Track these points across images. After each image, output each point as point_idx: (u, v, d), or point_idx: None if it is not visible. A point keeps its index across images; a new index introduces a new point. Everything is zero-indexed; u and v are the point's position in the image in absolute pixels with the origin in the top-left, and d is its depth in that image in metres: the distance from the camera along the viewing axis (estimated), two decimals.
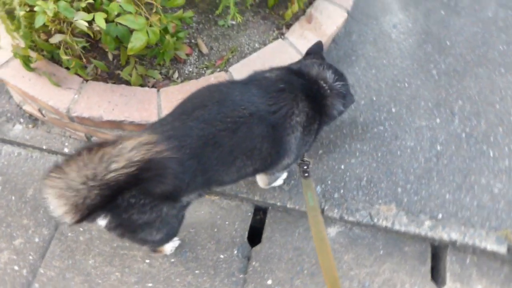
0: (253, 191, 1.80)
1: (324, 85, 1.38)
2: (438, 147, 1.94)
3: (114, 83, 1.70)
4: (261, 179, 1.74)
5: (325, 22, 1.85)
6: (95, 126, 1.66)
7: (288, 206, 1.78)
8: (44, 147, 1.84)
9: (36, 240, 1.71)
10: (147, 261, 1.69)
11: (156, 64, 1.75)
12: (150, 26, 1.41)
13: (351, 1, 1.94)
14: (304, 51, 1.75)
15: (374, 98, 1.99)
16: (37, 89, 1.61)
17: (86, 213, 0.99)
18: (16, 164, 1.85)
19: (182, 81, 1.74)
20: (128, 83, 1.68)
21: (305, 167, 1.50)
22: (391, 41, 2.00)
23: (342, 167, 1.87)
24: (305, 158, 1.52)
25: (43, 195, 1.00)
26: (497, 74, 2.12)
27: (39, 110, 1.78)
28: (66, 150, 1.84)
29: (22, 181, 1.81)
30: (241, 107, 1.22)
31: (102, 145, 0.99)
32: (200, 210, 1.80)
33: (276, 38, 1.84)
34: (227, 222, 1.79)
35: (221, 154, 1.20)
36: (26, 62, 1.56)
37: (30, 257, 1.67)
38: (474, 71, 2.12)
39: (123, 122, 1.59)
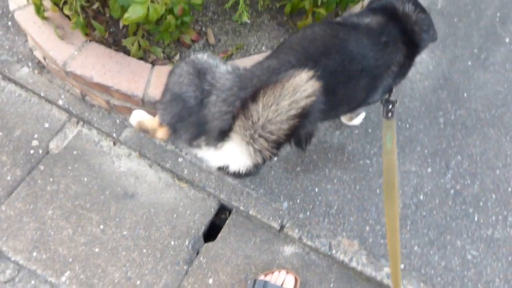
0: (220, 188, 1.80)
1: (414, 23, 1.44)
2: (421, 197, 1.86)
3: (117, 50, 1.74)
4: (345, 115, 1.84)
5: None
6: (87, 85, 1.71)
7: (250, 212, 1.76)
8: (42, 94, 1.92)
9: (8, 178, 1.78)
10: (101, 227, 1.72)
11: (159, 42, 1.78)
12: (152, 2, 1.44)
13: None
14: None
15: (370, 130, 1.94)
16: (43, 38, 1.68)
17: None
18: (14, 104, 1.93)
19: None
20: (129, 53, 1.72)
21: (390, 106, 1.47)
22: (406, 79, 1.93)
23: (316, 190, 1.83)
24: (391, 98, 1.51)
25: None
26: (508, 139, 2.01)
27: (44, 58, 1.86)
28: (60, 102, 1.90)
29: (14, 120, 1.89)
30: (356, 60, 1.31)
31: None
32: (166, 193, 1.82)
33: None
34: (188, 212, 1.79)
35: (331, 103, 1.24)
36: (39, 9, 1.63)
37: None
38: (484, 130, 2.02)
39: (110, 88, 1.63)
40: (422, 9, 1.49)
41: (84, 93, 1.85)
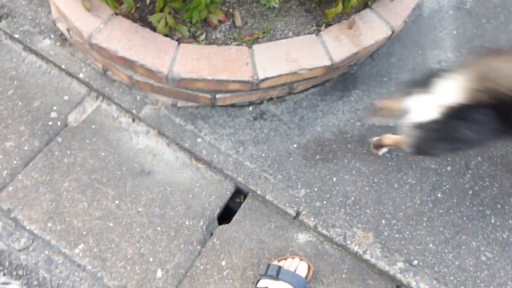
0: (238, 171, 1.78)
1: None
2: (439, 194, 1.84)
3: (143, 25, 1.73)
4: None
5: (366, 33, 1.79)
6: (110, 59, 1.70)
7: (267, 197, 1.75)
8: (63, 67, 1.90)
9: (25, 148, 1.77)
10: (116, 202, 1.71)
11: (186, 21, 1.76)
12: None
13: (401, 22, 1.87)
14: (333, 53, 1.71)
15: (391, 124, 1.92)
16: (69, 8, 1.67)
17: None
18: (34, 75, 1.92)
19: (206, 44, 1.74)
20: (154, 29, 1.70)
21: None
22: None
23: (334, 179, 1.81)
24: None
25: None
26: None
27: (68, 30, 1.84)
28: (81, 75, 1.89)
29: (33, 91, 1.88)
30: None
31: None
32: (183, 173, 1.81)
33: (311, 33, 1.81)
34: (204, 193, 1.78)
35: None
36: None
37: (15, 162, 1.74)
38: None
39: (135, 62, 1.61)
40: None
41: (105, 67, 1.83)
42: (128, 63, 1.65)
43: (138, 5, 1.77)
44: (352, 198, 1.79)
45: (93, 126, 1.85)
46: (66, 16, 1.66)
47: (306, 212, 1.74)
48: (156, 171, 1.80)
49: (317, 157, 1.85)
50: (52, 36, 1.97)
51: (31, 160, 1.75)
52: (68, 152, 1.78)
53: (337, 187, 1.80)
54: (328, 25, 1.83)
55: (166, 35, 1.73)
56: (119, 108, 1.89)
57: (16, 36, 1.94)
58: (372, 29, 1.81)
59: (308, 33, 1.80)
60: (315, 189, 1.79)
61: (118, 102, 1.86)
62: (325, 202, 1.77)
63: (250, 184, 1.77)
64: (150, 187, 1.76)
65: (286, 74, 1.68)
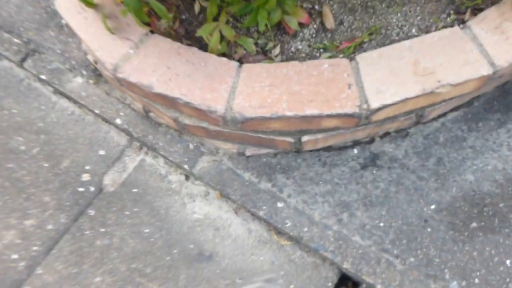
0: (343, 251, 1.14)
1: None
2: None
3: (190, 44, 1.19)
4: None
5: None
6: (145, 97, 1.18)
7: None
8: (97, 111, 1.44)
9: (49, 227, 1.31)
10: None
11: (250, 29, 1.19)
12: None
13: None
14: (495, 54, 1.02)
15: None
16: (90, 32, 1.18)
17: None
18: (64, 125, 1.48)
19: (282, 61, 1.15)
20: (206, 48, 1.16)
21: None
22: None
23: (508, 262, 1.08)
24: None
25: None
26: None
27: (95, 62, 1.37)
28: (118, 121, 1.40)
29: (63, 147, 1.43)
30: None
31: None
32: (260, 254, 1.21)
33: (450, 25, 1.13)
34: (292, 286, 1.16)
35: None
36: None
37: (35, 248, 1.28)
38: None
39: (176, 100, 1.07)
40: None
41: (146, 108, 1.32)
42: (169, 101, 1.11)
43: (184, 17, 1.25)
44: None
45: (135, 190, 1.34)
46: (86, 42, 1.18)
47: None
48: (221, 253, 1.22)
49: (473, 225, 1.13)
50: (84, 72, 1.52)
51: (55, 244, 1.28)
52: (103, 230, 1.29)
53: None
54: (476, 10, 1.14)
55: (223, 54, 1.18)
56: (167, 162, 1.36)
57: (43, 76, 1.52)
58: None
59: (445, 26, 1.13)
60: (476, 280, 1.08)
61: (165, 154, 1.34)
62: None
63: (364, 273, 1.12)
64: (212, 278, 1.19)
65: (417, 96, 1.02)
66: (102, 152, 1.41)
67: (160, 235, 1.26)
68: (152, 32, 1.18)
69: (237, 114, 1.04)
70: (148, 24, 1.19)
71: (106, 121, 1.44)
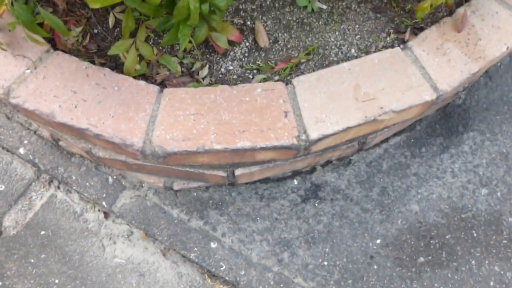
0: None
1: None
2: None
3: (103, 64, 1.02)
4: None
5: (488, 36, 1.02)
6: (49, 125, 0.99)
7: None
8: None
9: None
10: None
11: (176, 48, 1.04)
12: None
13: None
14: (437, 78, 0.95)
15: None
16: None
17: None
18: None
19: (210, 84, 1.02)
20: (121, 68, 1.00)
21: None
22: None
23: None
24: None
25: None
26: None
27: None
28: (22, 150, 1.19)
29: None
30: None
31: None
32: None
33: (390, 45, 1.05)
34: None
35: None
36: None
37: None
38: None
39: (84, 131, 0.90)
40: None
41: (55, 136, 1.13)
42: (76, 132, 0.94)
43: (96, 31, 1.07)
44: None
45: (43, 232, 1.14)
46: None
47: None
48: None
49: (421, 259, 1.06)
50: None
51: None
52: (0, 283, 1.07)
53: None
54: (416, 29, 1.07)
55: (142, 75, 1.02)
56: (83, 198, 1.17)
57: None
58: (497, 28, 1.03)
59: (385, 47, 1.05)
60: None
61: (79, 189, 1.15)
62: None
63: None
64: None
65: (359, 125, 0.92)
66: (1, 188, 1.19)
67: (73, 286, 1.07)
68: (56, 48, 1.00)
69: (157, 148, 0.89)
70: (52, 40, 1.01)
71: (8, 150, 1.22)
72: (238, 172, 1.02)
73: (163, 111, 0.92)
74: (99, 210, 1.16)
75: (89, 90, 0.93)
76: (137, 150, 0.90)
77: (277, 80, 1.01)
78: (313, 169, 1.13)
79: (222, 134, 0.90)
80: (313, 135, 0.90)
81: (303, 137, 0.90)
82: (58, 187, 1.19)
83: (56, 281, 1.08)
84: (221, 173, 1.02)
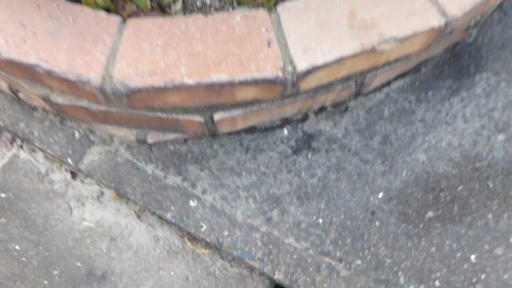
0: (276, 259, 0.90)
1: None
2: None
3: None
4: None
5: None
6: None
7: None
8: None
9: None
10: None
11: None
12: None
13: None
14: (446, 1, 0.82)
15: None
16: None
17: None
18: None
19: None
20: (80, 1, 0.86)
21: None
22: None
23: (473, 258, 0.89)
24: None
25: None
26: None
27: None
28: None
29: None
30: None
31: None
32: (170, 268, 0.94)
33: None
34: None
35: None
36: None
37: None
38: None
39: (35, 68, 0.77)
40: None
41: (13, 87, 1.00)
42: (26, 72, 0.81)
43: None
44: None
45: (3, 195, 1.01)
46: None
47: None
48: (118, 270, 0.94)
49: (429, 214, 0.93)
50: None
51: None
52: None
53: (482, 275, 0.88)
54: None
55: (106, 11, 0.88)
56: (48, 157, 1.05)
57: None
58: None
59: None
60: (437, 283, 0.88)
61: (43, 147, 1.02)
62: None
63: (301, 283, 0.88)
64: None
65: (355, 55, 0.79)
66: None
67: (35, 253, 0.95)
68: None
69: (119, 84, 0.76)
70: None
71: None
72: (217, 116, 0.88)
73: (126, 43, 0.79)
74: (66, 170, 1.04)
75: (40, 22, 0.80)
76: (96, 88, 0.77)
77: (261, 9, 0.88)
78: (305, 117, 1.00)
79: (195, 67, 0.76)
80: (301, 65, 0.77)
81: (289, 68, 0.77)
82: (21, 146, 1.06)
83: (17, 247, 0.96)
84: (198, 118, 0.89)
